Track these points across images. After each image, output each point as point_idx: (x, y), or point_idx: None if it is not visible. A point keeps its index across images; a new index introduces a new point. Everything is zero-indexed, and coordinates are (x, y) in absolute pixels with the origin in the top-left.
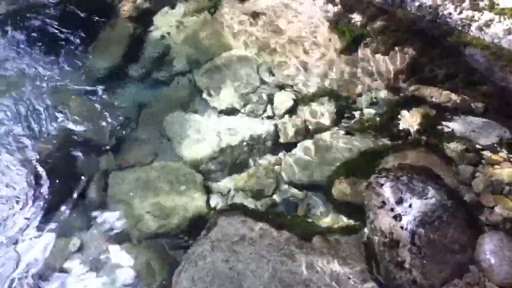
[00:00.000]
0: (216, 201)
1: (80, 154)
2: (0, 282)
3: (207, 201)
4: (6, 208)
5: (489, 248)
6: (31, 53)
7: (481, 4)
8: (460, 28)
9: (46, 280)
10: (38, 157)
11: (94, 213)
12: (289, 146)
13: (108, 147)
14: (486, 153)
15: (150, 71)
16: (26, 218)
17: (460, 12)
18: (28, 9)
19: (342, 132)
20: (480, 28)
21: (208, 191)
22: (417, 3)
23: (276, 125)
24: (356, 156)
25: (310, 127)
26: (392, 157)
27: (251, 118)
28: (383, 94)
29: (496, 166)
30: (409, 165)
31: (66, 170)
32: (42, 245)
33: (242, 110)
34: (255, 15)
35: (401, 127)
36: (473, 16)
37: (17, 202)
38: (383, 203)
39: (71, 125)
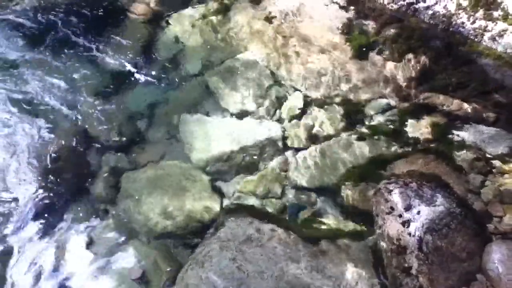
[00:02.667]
0: (224, 202)
1: (91, 152)
2: (8, 276)
3: (215, 202)
4: (16, 203)
5: (497, 257)
6: (46, 52)
7: (495, 14)
8: (473, 37)
9: (55, 276)
10: (49, 154)
11: (104, 211)
12: (298, 150)
13: (119, 146)
14: (496, 163)
15: (162, 72)
16: (36, 214)
17: (474, 22)
18: (43, 9)
19: (351, 137)
20: (493, 38)
21: (216, 192)
22: (430, 12)
23: (285, 129)
24: (365, 162)
25: (319, 131)
26: (402, 164)
27: (261, 121)
28: (394, 101)
29: (506, 176)
30: (419, 172)
31: (77, 167)
32: (51, 241)
33: (252, 113)
34: (268, 19)
35: (411, 135)
36: (487, 26)
37: (28, 198)
38: (392, 209)
39: (83, 124)
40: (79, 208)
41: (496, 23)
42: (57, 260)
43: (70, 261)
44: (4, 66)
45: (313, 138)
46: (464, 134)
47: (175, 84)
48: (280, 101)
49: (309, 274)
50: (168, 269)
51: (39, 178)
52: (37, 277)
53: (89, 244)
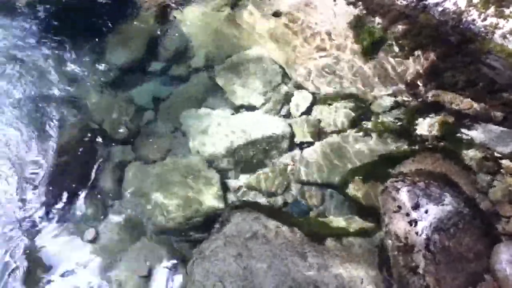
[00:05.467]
0: (229, 198)
1: (97, 145)
2: (14, 269)
3: (220, 197)
4: (22, 196)
5: (505, 258)
6: (52, 44)
7: (506, 11)
8: (483, 35)
9: (60, 272)
10: (55, 147)
11: (109, 205)
12: (305, 146)
13: (124, 140)
14: (505, 162)
15: (169, 66)
16: (42, 208)
17: (484, 19)
18: (50, 2)
19: (358, 134)
20: (504, 36)
21: (221, 187)
22: (440, 8)
23: (292, 125)
24: (372, 159)
25: (326, 128)
26: (409, 162)
27: (267, 116)
28: (402, 98)
29: None
30: (427, 171)
31: (83, 161)
32: (57, 235)
33: (259, 109)
34: (276, 14)
35: (419, 132)
36: (498, 23)
37: (34, 191)
38: (399, 207)
39: (89, 117)
40: (85, 202)
41: (508, 20)
42: (63, 256)
43: (76, 257)
44: (9, 57)
45: (320, 134)
46: (473, 133)
47: (182, 78)
48: (287, 96)
49: (314, 272)
50: (175, 264)
51: (46, 172)
52: (42, 273)
53: (95, 239)
